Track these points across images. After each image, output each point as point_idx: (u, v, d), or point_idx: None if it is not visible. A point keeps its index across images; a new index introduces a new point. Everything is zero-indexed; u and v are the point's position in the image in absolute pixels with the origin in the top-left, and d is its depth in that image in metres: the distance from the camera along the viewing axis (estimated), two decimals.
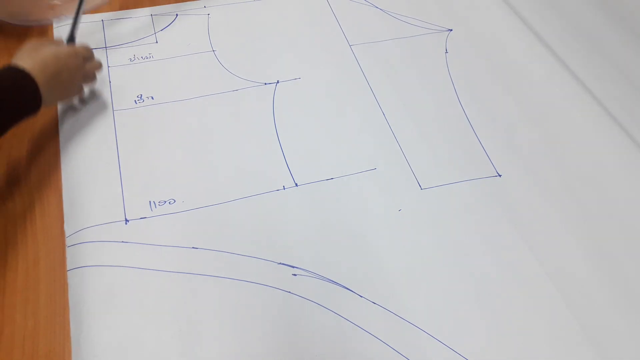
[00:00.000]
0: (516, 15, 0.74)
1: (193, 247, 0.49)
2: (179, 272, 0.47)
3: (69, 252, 0.48)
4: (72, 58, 0.51)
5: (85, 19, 0.68)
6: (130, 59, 0.64)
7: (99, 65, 0.57)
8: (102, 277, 0.46)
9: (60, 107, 0.58)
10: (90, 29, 0.67)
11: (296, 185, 0.54)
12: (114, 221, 0.50)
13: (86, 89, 0.58)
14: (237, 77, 0.64)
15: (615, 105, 0.63)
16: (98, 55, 0.61)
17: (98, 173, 0.53)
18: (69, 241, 0.49)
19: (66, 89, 0.52)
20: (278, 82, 0.63)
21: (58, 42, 0.51)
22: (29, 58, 0.47)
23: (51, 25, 0.67)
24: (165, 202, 0.52)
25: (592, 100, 0.64)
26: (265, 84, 0.63)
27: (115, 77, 0.62)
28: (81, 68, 0.53)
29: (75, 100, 0.58)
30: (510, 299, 0.48)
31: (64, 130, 0.57)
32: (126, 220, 0.50)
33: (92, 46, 0.65)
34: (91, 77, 0.56)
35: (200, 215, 0.51)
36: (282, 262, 0.49)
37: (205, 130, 0.58)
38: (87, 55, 0.55)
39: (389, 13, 0.73)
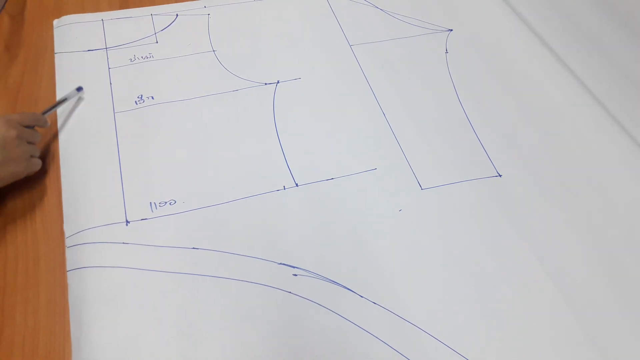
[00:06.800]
0: (516, 15, 0.74)
1: (194, 248, 0.49)
2: (180, 272, 0.47)
3: (68, 252, 0.48)
4: (22, 144, 0.49)
5: (86, 19, 0.68)
6: (130, 59, 0.64)
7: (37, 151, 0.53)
8: (102, 278, 0.46)
9: (59, 108, 0.58)
10: (91, 30, 0.67)
11: (297, 185, 0.54)
12: (114, 222, 0.50)
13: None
14: (237, 77, 0.64)
15: (615, 105, 0.63)
16: (97, 57, 0.62)
17: (98, 174, 0.53)
18: (68, 242, 0.49)
19: (12, 175, 0.49)
20: (278, 82, 0.63)
21: (9, 122, 0.48)
22: None
23: None
24: (166, 203, 0.51)
25: (592, 100, 0.64)
26: (266, 84, 0.63)
27: (116, 78, 0.62)
28: (29, 149, 0.51)
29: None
30: (510, 298, 0.48)
31: (64, 130, 0.57)
32: (127, 222, 0.50)
33: (92, 47, 0.65)
34: (35, 163, 0.53)
35: (200, 216, 0.51)
36: (282, 262, 0.49)
37: (205, 130, 0.58)
38: (34, 139, 0.52)
39: (389, 13, 0.73)
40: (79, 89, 0.59)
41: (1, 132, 0.47)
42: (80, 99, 0.60)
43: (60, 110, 0.58)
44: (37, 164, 0.52)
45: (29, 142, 0.51)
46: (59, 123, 0.57)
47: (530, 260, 0.50)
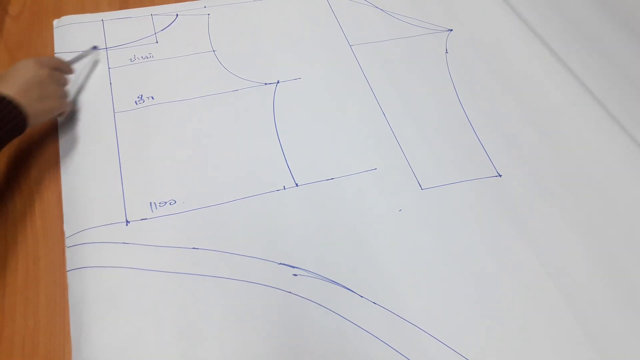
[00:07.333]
0: (516, 15, 0.74)
1: (194, 248, 0.49)
2: (180, 272, 0.47)
3: (68, 252, 0.48)
4: (53, 83, 0.52)
5: (86, 19, 0.68)
6: (130, 59, 0.64)
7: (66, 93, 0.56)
8: (102, 278, 0.46)
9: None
10: (91, 30, 0.67)
11: (297, 185, 0.54)
12: (114, 222, 0.50)
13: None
14: (237, 77, 0.64)
15: (615, 105, 0.63)
16: (98, 56, 0.62)
17: (98, 174, 0.53)
18: (68, 242, 0.49)
19: (48, 111, 0.52)
20: (278, 82, 0.63)
21: (40, 63, 0.51)
22: (13, 84, 0.48)
23: None
24: (165, 202, 0.51)
25: (592, 100, 0.64)
26: (266, 84, 0.63)
27: (116, 78, 0.62)
28: (60, 90, 0.54)
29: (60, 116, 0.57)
30: (510, 299, 0.48)
31: (64, 130, 0.57)
32: (127, 222, 0.50)
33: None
34: (68, 103, 0.55)
35: (200, 216, 0.51)
36: (282, 262, 0.49)
37: (205, 130, 0.58)
38: (62, 81, 0.55)
39: (389, 13, 0.73)
40: (95, 47, 0.62)
41: (34, 70, 0.50)
42: (97, 62, 0.63)
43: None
44: (69, 103, 0.55)
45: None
46: (59, 123, 0.57)
47: (530, 260, 0.50)
